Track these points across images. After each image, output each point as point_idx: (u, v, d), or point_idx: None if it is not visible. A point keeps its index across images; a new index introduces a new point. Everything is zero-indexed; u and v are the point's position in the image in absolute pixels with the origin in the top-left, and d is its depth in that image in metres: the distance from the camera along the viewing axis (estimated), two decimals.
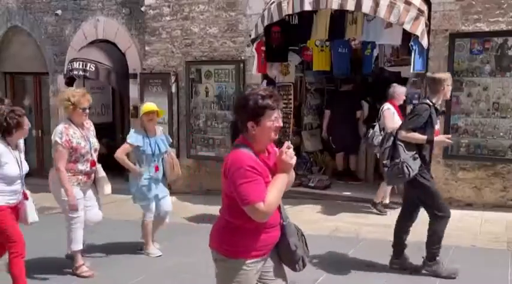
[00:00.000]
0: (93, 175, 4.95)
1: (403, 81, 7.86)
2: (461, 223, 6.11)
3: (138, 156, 5.35)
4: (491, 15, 6.48)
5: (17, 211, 4.30)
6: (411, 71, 6.39)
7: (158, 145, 5.28)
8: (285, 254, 2.68)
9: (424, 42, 6.16)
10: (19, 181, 4.23)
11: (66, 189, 4.67)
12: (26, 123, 4.26)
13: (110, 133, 11.09)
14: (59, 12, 10.26)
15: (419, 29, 6.02)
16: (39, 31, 10.62)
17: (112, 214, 7.72)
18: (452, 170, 6.77)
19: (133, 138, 5.23)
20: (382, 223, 6.11)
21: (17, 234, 4.19)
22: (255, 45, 7.13)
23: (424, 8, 6.32)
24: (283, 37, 7.47)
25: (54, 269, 5.09)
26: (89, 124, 5.07)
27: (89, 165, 4.84)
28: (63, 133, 4.68)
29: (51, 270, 5.08)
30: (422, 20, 6.10)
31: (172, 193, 8.66)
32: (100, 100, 10.81)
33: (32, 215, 4.40)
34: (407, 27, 6.03)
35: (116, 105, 11.13)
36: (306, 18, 7.29)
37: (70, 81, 9.43)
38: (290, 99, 8.39)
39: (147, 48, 9.00)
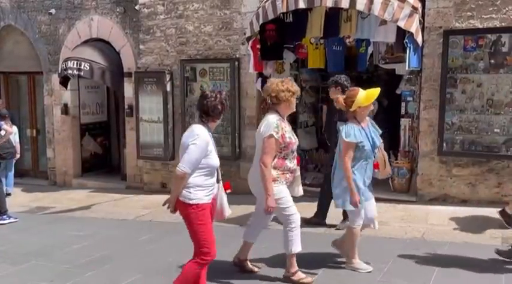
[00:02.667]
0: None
1: (397, 79, 7.90)
2: (456, 219, 6.14)
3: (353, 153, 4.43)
4: (484, 12, 6.50)
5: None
6: (406, 68, 6.40)
7: (373, 138, 4.48)
8: None
9: (419, 39, 6.17)
10: (216, 173, 3.86)
11: (267, 188, 4.12)
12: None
13: (105, 133, 11.10)
14: (53, 11, 10.22)
15: (414, 26, 6.03)
16: (32, 30, 10.58)
17: (107, 213, 7.75)
18: (447, 167, 6.80)
19: (352, 134, 4.34)
20: (379, 221, 6.11)
21: (212, 241, 3.76)
22: (250, 43, 7.12)
23: (418, 5, 6.33)
24: (277, 35, 7.45)
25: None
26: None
27: (295, 161, 4.38)
28: (279, 126, 4.18)
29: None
30: (417, 17, 6.11)
31: (168, 192, 8.73)
32: (95, 100, 10.82)
33: (227, 208, 3.99)
34: (401, 24, 6.04)
35: (111, 104, 11.11)
36: (301, 16, 7.29)
37: (64, 81, 9.41)
38: None
39: (141, 46, 8.98)
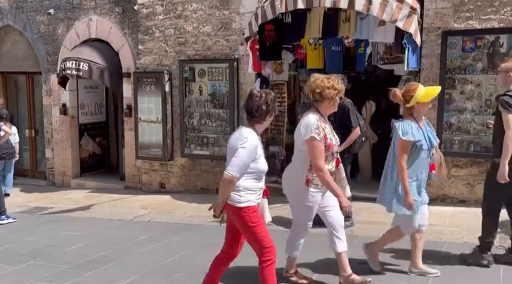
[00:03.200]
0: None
1: (396, 79, 7.91)
2: (454, 219, 6.16)
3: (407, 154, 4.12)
4: (483, 13, 6.51)
5: None
6: (405, 68, 6.41)
7: (430, 138, 4.20)
8: None
9: (418, 39, 6.18)
10: (264, 177, 3.70)
11: (334, 191, 3.88)
12: (275, 112, 3.70)
13: (104, 133, 11.10)
14: (52, 11, 10.22)
15: (413, 27, 6.04)
16: (31, 30, 10.57)
17: (106, 214, 7.74)
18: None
19: (410, 132, 4.05)
20: (375, 221, 6.13)
21: (270, 238, 3.64)
22: (249, 43, 7.13)
23: (417, 5, 6.34)
24: (276, 35, 7.47)
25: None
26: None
27: (334, 164, 4.08)
28: (320, 127, 3.90)
29: None
30: (415, 18, 6.12)
31: (166, 192, 8.74)
32: (93, 100, 10.82)
33: (268, 214, 3.89)
34: (400, 24, 6.05)
35: (109, 105, 11.11)
36: (299, 17, 7.30)
37: (63, 81, 9.41)
38: (284, 97, 8.42)
39: (140, 47, 8.98)
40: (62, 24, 10.19)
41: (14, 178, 9.83)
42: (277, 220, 6.31)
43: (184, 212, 7.38)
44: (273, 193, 8.07)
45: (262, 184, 3.66)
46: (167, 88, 8.67)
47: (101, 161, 11.08)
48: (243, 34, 7.53)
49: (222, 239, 4.76)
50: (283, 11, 6.49)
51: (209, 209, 3.73)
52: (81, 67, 8.85)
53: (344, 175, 4.24)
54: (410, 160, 4.10)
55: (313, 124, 3.88)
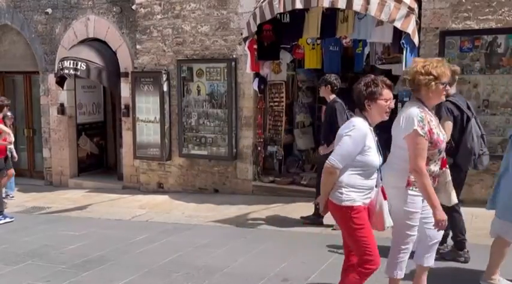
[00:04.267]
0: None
1: (394, 79, 7.92)
2: None
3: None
4: (480, 13, 6.53)
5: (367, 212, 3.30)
6: (403, 68, 6.40)
7: None
8: None
9: (416, 39, 6.19)
10: (376, 174, 3.26)
11: (431, 200, 3.25)
12: (382, 96, 3.26)
13: (101, 133, 11.09)
14: (49, 10, 10.20)
15: (410, 27, 6.05)
16: (29, 30, 10.56)
17: (104, 213, 7.74)
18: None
19: None
20: None
21: (375, 245, 3.21)
22: (247, 43, 7.13)
23: (415, 6, 6.35)
24: (274, 35, 7.47)
25: None
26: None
27: (440, 164, 3.49)
28: (425, 120, 3.29)
29: None
30: (413, 18, 6.12)
31: (164, 192, 8.73)
32: (91, 99, 10.80)
33: (389, 217, 3.28)
34: (397, 24, 6.05)
35: (107, 104, 11.10)
36: (298, 16, 7.30)
37: (61, 80, 9.40)
38: (282, 97, 8.41)
39: (138, 46, 8.97)
40: (59, 23, 10.17)
41: None
42: (273, 220, 6.32)
43: (182, 212, 7.38)
44: (272, 193, 8.11)
45: (371, 183, 3.24)
46: (165, 88, 8.67)
47: (99, 161, 11.07)
48: (241, 34, 7.53)
49: (220, 239, 4.70)
50: (282, 11, 6.49)
51: (313, 203, 3.50)
52: (79, 66, 8.85)
53: (449, 178, 3.63)
54: None
55: (417, 116, 3.29)
